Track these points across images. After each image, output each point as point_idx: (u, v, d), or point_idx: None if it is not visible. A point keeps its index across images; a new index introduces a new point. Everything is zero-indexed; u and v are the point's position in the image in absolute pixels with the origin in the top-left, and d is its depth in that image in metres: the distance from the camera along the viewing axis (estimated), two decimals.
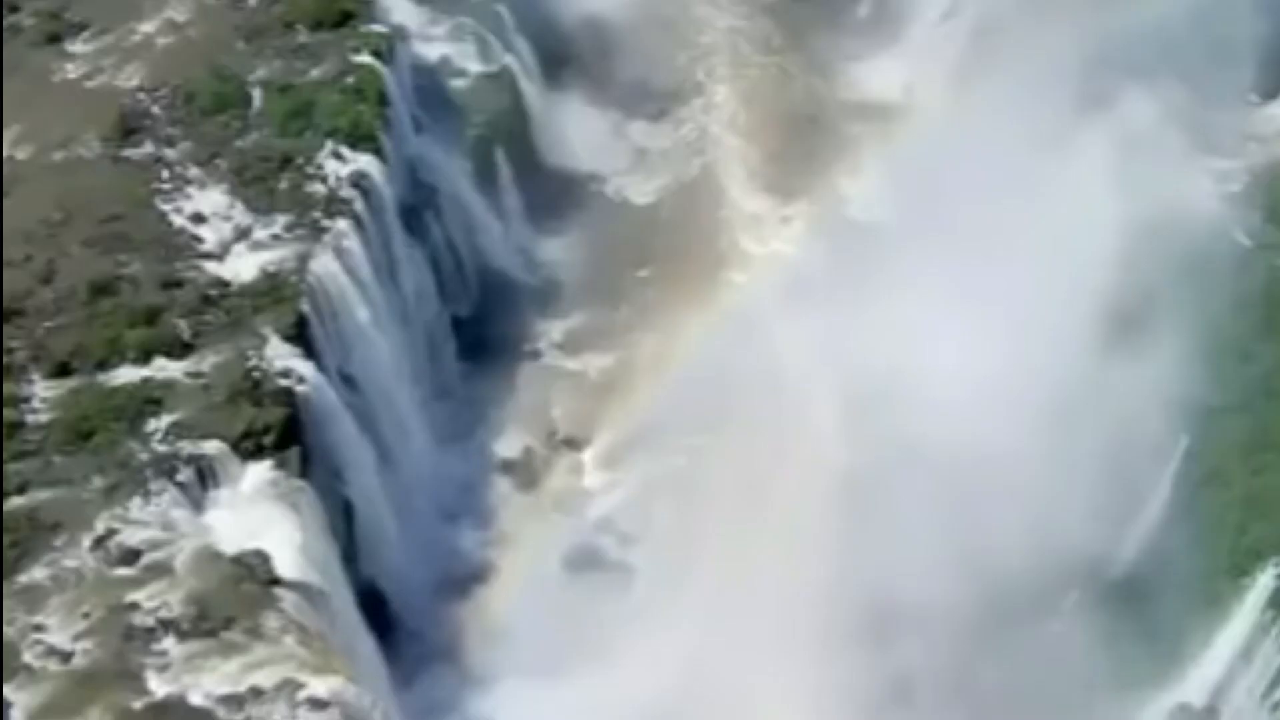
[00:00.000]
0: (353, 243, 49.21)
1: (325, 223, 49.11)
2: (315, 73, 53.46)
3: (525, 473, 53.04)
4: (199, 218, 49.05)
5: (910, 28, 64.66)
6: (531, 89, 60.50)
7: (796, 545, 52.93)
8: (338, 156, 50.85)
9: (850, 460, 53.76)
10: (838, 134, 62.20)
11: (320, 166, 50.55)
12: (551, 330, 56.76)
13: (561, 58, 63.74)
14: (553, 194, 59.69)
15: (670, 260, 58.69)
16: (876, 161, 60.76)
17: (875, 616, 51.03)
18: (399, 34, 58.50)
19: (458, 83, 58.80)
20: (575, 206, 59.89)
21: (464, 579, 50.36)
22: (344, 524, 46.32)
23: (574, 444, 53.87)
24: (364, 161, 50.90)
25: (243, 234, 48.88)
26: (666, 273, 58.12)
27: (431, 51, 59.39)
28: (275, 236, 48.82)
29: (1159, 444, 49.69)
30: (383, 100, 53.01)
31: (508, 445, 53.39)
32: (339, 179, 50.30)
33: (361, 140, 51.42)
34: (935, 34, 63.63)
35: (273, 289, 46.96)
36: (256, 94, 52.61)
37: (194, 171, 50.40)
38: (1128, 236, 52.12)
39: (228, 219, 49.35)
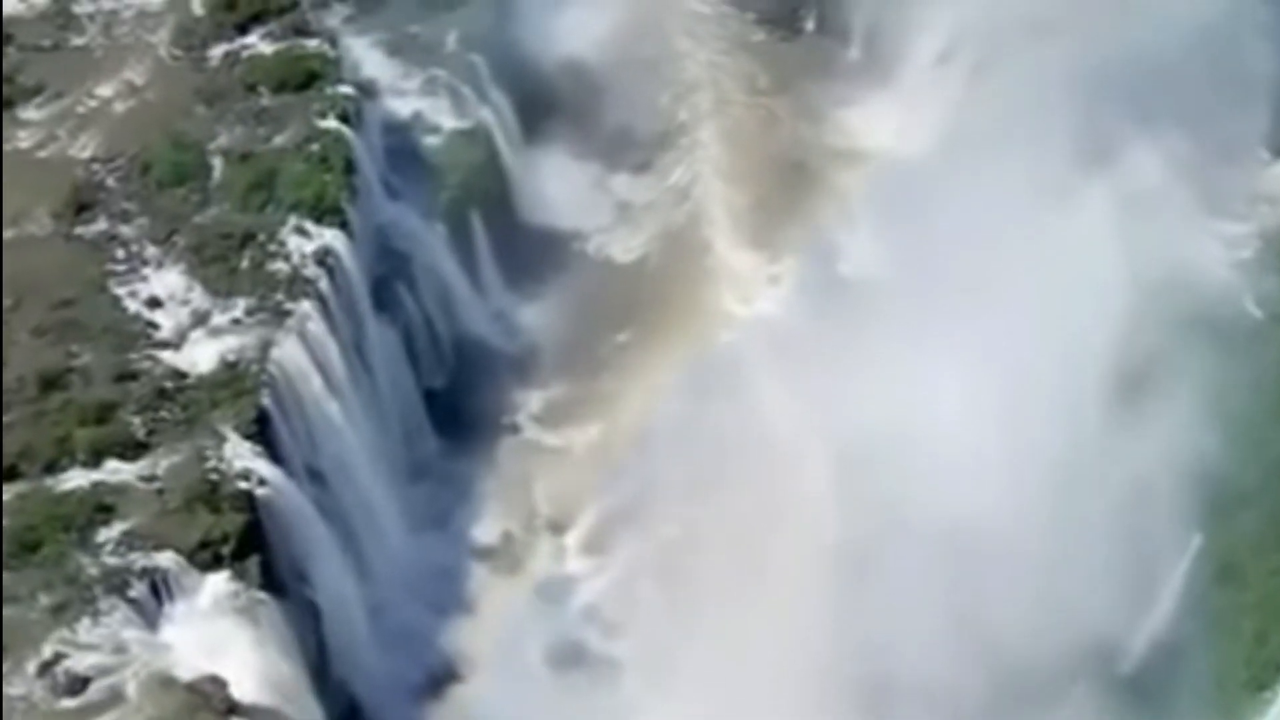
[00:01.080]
0: (318, 326, 46.10)
1: (288, 305, 45.99)
2: (279, 139, 50.19)
3: (505, 559, 49.77)
4: (155, 302, 45.95)
5: (902, 71, 60.97)
6: (508, 144, 57.12)
7: (790, 625, 49.92)
8: (302, 232, 47.71)
9: (844, 532, 50.51)
10: (827, 183, 58.90)
11: (283, 243, 47.45)
12: (531, 401, 53.54)
13: (540, 105, 60.29)
14: (532, 254, 56.37)
15: (654, 322, 55.41)
16: (868, 213, 56.99)
17: (872, 699, 48.43)
18: (369, 90, 55.54)
19: (431, 140, 55.50)
20: (556, 267, 56.52)
21: (441, 677, 47.08)
22: (312, 630, 43.34)
23: (556, 525, 50.54)
24: (329, 236, 47.79)
25: (201, 319, 45.76)
26: (650, 336, 54.85)
27: (403, 107, 56.15)
28: (235, 321, 45.70)
29: (1168, 528, 46.54)
30: (349, 168, 49.71)
31: (486, 529, 50.16)
32: (303, 256, 47.21)
33: (327, 213, 48.26)
34: (928, 78, 59.99)
35: (232, 380, 43.92)
36: (217, 163, 49.35)
37: (150, 250, 47.26)
38: (1132, 302, 48.73)
39: (185, 303, 46.22)
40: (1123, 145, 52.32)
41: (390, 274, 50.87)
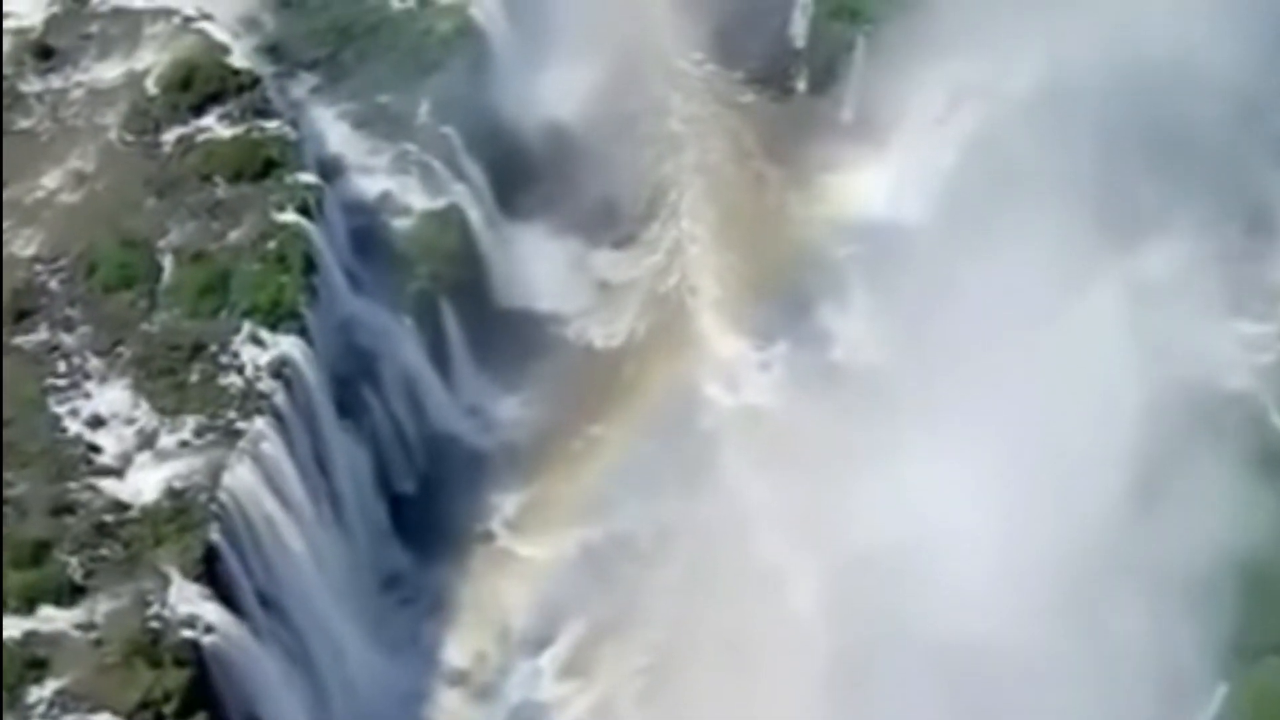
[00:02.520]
0: (273, 445, 42.38)
1: (241, 424, 42.33)
2: (233, 235, 46.41)
3: (477, 684, 45.66)
4: (98, 421, 42.23)
5: (898, 134, 56.80)
6: (483, 223, 53.02)
7: None
8: (256, 341, 43.96)
9: (839, 649, 46.90)
10: (819, 257, 54.67)
11: (236, 354, 43.72)
12: (506, 504, 49.36)
13: (519, 175, 56.23)
14: (508, 341, 52.29)
15: (638, 414, 51.19)
16: (863, 294, 53.35)
17: None
18: (335, 169, 51.97)
19: (400, 223, 51.42)
20: (533, 354, 52.51)
21: None
22: None
23: (532, 644, 46.47)
24: (286, 344, 44.10)
25: (147, 441, 42.01)
26: (633, 429, 50.63)
27: (371, 187, 52.06)
28: (183, 444, 41.94)
29: (1187, 649, 43.36)
30: (309, 266, 45.93)
31: (458, 649, 46.13)
32: (257, 368, 43.51)
33: (284, 319, 44.56)
34: (924, 142, 55.94)
35: (179, 513, 40.18)
36: (167, 263, 45.55)
37: (94, 363, 43.48)
38: (1146, 404, 45.07)
39: (130, 422, 42.47)
40: (1137, 227, 48.69)
41: (355, 375, 47.17)
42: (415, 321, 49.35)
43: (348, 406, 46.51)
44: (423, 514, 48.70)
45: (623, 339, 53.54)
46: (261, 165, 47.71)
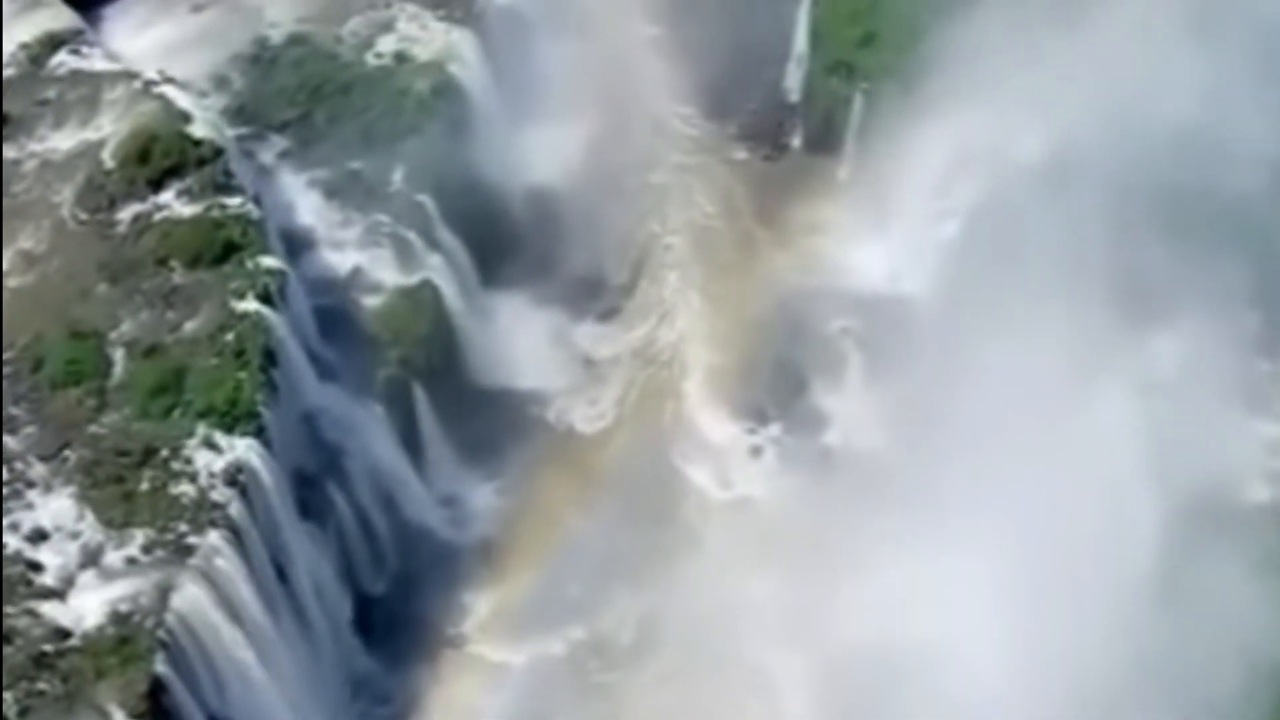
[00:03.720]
0: (228, 560, 39.21)
1: (193, 539, 39.17)
2: (189, 326, 43.16)
3: None
4: (40, 535, 39.10)
5: (898, 198, 53.14)
6: (459, 298, 49.71)
7: None
8: (211, 445, 40.77)
9: None
10: (814, 332, 51.23)
11: (189, 460, 40.51)
12: (479, 604, 46.13)
13: (499, 242, 52.91)
14: (486, 425, 49.13)
15: (621, 506, 47.79)
16: (859, 372, 50.17)
17: None
18: (303, 241, 48.95)
19: (371, 302, 48.12)
20: (512, 439, 49.31)
21: None
22: None
23: None
24: (242, 449, 40.91)
25: (91, 558, 38.86)
26: (616, 523, 47.26)
27: (341, 262, 48.87)
28: (131, 561, 38.81)
29: None
30: (270, 359, 42.71)
31: None
32: (211, 476, 40.28)
33: (241, 420, 41.37)
34: (927, 211, 52.51)
35: (122, 643, 37.08)
36: (119, 357, 42.44)
37: (38, 469, 40.32)
38: (1160, 509, 41.88)
39: (74, 536, 39.31)
40: (1149, 311, 45.18)
41: (319, 473, 43.99)
42: (386, 409, 46.25)
43: (311, 507, 43.36)
44: (392, 615, 45.57)
45: (606, 421, 50.32)
46: (221, 248, 44.53)
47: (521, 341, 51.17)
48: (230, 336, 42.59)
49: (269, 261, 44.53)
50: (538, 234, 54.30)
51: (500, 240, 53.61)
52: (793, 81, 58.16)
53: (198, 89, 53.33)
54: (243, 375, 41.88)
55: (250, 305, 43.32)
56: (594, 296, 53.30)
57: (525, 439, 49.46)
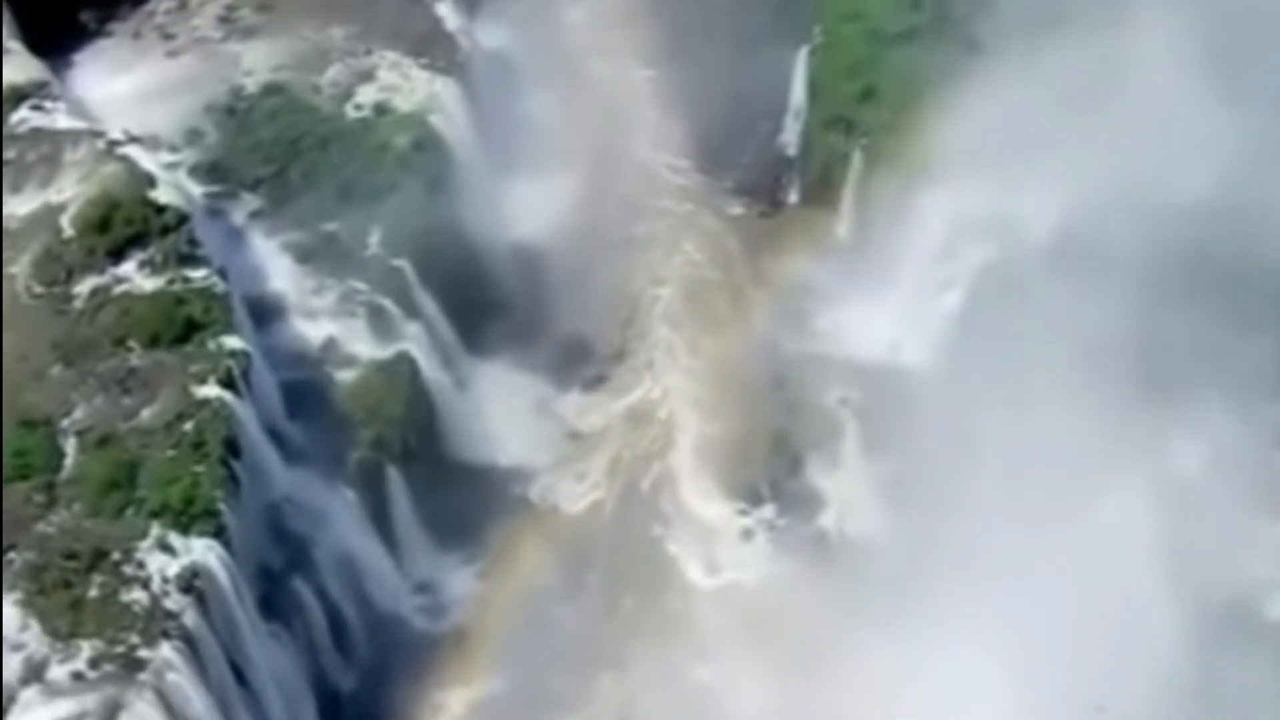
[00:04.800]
0: (181, 675, 35.78)
1: (144, 651, 35.75)
2: (146, 414, 39.85)
3: None
4: None
5: (900, 263, 49.65)
6: (438, 371, 46.70)
7: None
8: (165, 547, 37.34)
9: None
10: (811, 406, 48.03)
11: (142, 565, 37.09)
12: (453, 701, 42.67)
13: (482, 305, 49.89)
14: (464, 504, 45.84)
15: (606, 594, 44.63)
16: (857, 450, 46.95)
17: None
18: (274, 310, 45.86)
19: (345, 376, 44.97)
20: (492, 518, 45.98)
21: None
22: None
23: None
24: (199, 550, 37.51)
25: (35, 673, 35.44)
26: (600, 613, 44.25)
27: (313, 333, 45.70)
28: (77, 676, 35.40)
29: None
30: (232, 451, 39.45)
31: None
32: (165, 582, 36.86)
33: (198, 519, 37.95)
34: (929, 278, 49.04)
35: None
36: (70, 448, 39.12)
37: None
38: (1175, 617, 38.95)
39: (18, 648, 35.85)
40: (1167, 399, 41.97)
41: (285, 568, 40.81)
42: (358, 494, 43.06)
43: (275, 605, 40.14)
44: (362, 713, 42.17)
45: (591, 500, 47.03)
46: (182, 327, 41.20)
47: (504, 413, 48.06)
48: (189, 426, 39.36)
49: (232, 342, 41.28)
50: (523, 295, 51.19)
51: (483, 302, 50.52)
52: (790, 135, 55.17)
53: (168, 143, 50.59)
54: (201, 470, 38.61)
55: (211, 391, 40.08)
56: (581, 362, 50.15)
57: (506, 518, 46.17)
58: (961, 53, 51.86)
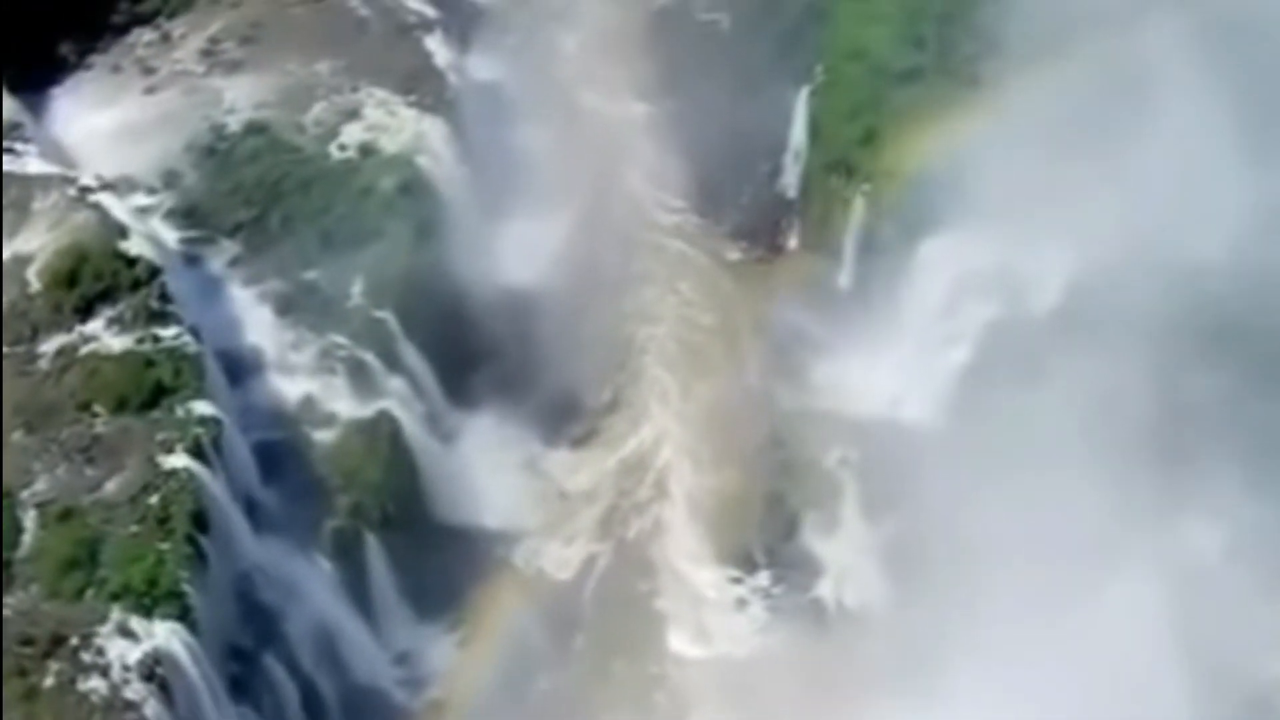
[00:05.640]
0: None
1: None
2: (110, 486, 37.29)
3: None
4: None
5: (903, 315, 47.15)
6: (420, 430, 43.92)
7: None
8: (126, 633, 34.75)
9: None
10: (808, 465, 45.52)
11: (101, 651, 34.42)
12: None
13: (469, 355, 47.20)
14: (447, 569, 43.17)
15: (593, 665, 42.14)
16: (856, 513, 44.43)
17: None
18: (250, 366, 43.29)
19: (323, 437, 42.21)
20: (476, 583, 43.33)
21: None
22: None
23: None
24: (162, 635, 34.90)
25: None
26: (587, 685, 41.57)
27: (291, 390, 43.01)
28: None
29: None
30: (199, 526, 36.83)
31: None
32: (126, 670, 34.23)
33: (161, 601, 35.34)
34: (934, 333, 46.34)
35: None
36: (29, 523, 36.51)
37: None
38: (1187, 712, 36.59)
39: None
40: (1181, 471, 39.05)
41: (256, 645, 38.02)
42: (334, 563, 40.36)
43: (245, 686, 37.36)
44: None
45: (579, 565, 44.44)
46: (150, 392, 38.69)
47: (489, 472, 45.34)
48: (154, 499, 36.75)
49: (202, 408, 38.72)
50: (513, 342, 48.33)
51: (471, 351, 47.84)
52: (790, 177, 52.42)
53: (145, 185, 47.98)
54: (165, 547, 36.02)
55: (179, 461, 37.46)
56: (570, 417, 47.57)
57: (490, 585, 43.52)
58: (968, 94, 49.56)
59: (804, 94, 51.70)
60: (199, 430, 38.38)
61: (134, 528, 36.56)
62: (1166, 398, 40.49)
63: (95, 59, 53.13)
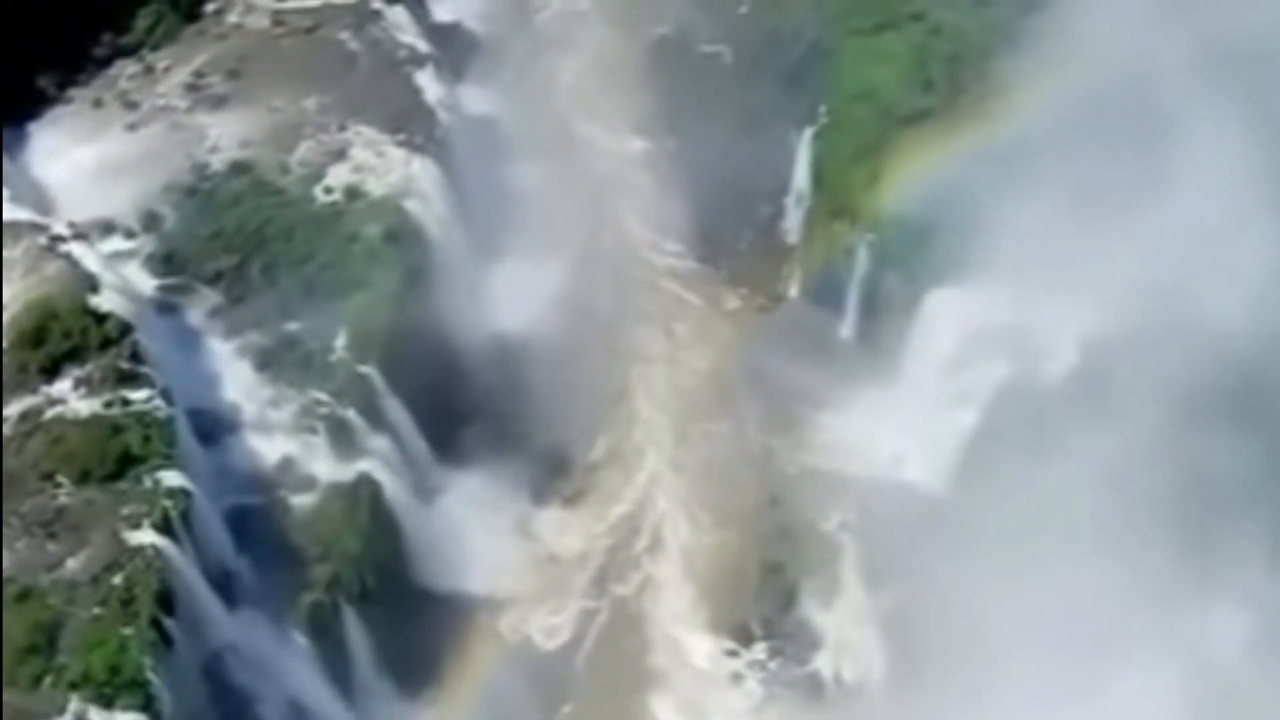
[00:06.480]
0: None
1: None
2: (72, 564, 34.68)
3: None
4: None
5: (905, 371, 44.83)
6: (403, 492, 41.42)
7: None
8: None
9: None
10: (807, 529, 42.97)
11: None
12: None
13: (456, 410, 44.93)
14: (430, 640, 40.69)
15: None
16: (858, 583, 42.05)
17: None
18: (227, 425, 40.87)
19: (300, 503, 39.74)
20: (459, 655, 40.83)
21: None
22: None
23: None
24: None
25: None
26: None
27: (269, 451, 40.51)
28: None
29: None
30: (165, 608, 34.26)
31: None
32: None
33: (124, 691, 32.83)
34: (940, 392, 43.74)
35: None
36: None
37: None
38: None
39: None
40: (1210, 558, 36.38)
41: None
42: (310, 639, 37.79)
43: None
44: None
45: (568, 634, 42.01)
46: (117, 461, 36.16)
47: (476, 534, 42.78)
48: (118, 579, 34.20)
49: (172, 479, 36.15)
50: (502, 395, 45.89)
51: (459, 405, 45.46)
52: (791, 221, 50.06)
53: (123, 228, 45.46)
54: (129, 632, 33.47)
55: (145, 537, 34.92)
56: (560, 474, 45.12)
57: (475, 655, 41.06)
58: (979, 139, 47.23)
59: (808, 135, 49.31)
60: (167, 503, 35.85)
61: (96, 610, 34.02)
62: (1186, 470, 37.81)
63: (76, 92, 50.57)
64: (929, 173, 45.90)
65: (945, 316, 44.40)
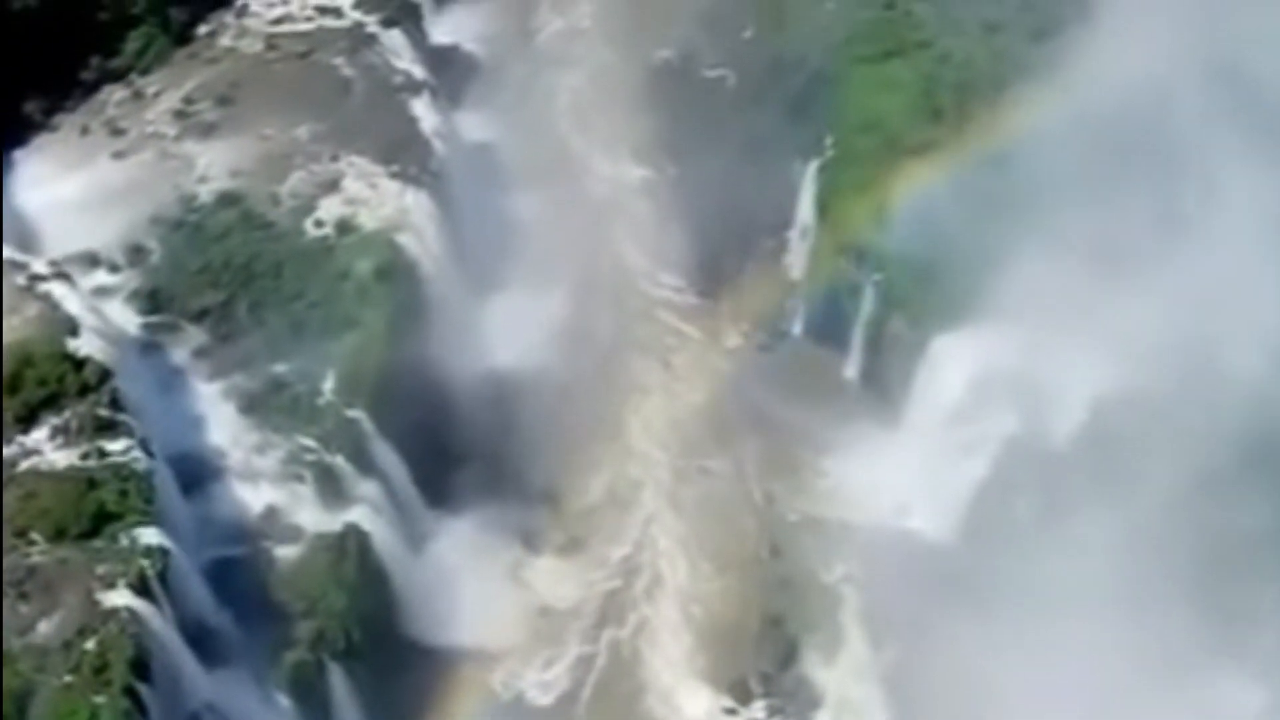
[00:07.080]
0: None
1: None
2: (44, 627, 32.88)
3: None
4: None
5: (910, 416, 43.09)
6: (392, 541, 39.71)
7: None
8: None
9: None
10: (810, 583, 41.18)
11: None
12: None
13: (449, 452, 43.28)
14: (419, 697, 38.89)
15: None
16: (861, 637, 40.17)
17: None
18: (210, 472, 39.12)
19: (285, 555, 38.00)
20: (448, 712, 39.02)
21: None
22: None
23: None
24: None
25: None
26: None
27: (253, 500, 38.81)
28: None
29: None
30: (140, 674, 32.44)
31: None
32: None
33: None
34: (947, 440, 41.82)
35: None
36: None
37: None
38: None
39: None
40: (1223, 635, 34.56)
41: None
42: (294, 700, 36.01)
43: None
44: None
45: (562, 689, 40.11)
46: (92, 518, 34.43)
47: (467, 584, 41.00)
48: (91, 644, 32.41)
49: (149, 536, 34.39)
50: (495, 436, 44.13)
51: (451, 448, 43.72)
52: (795, 256, 48.23)
53: (108, 261, 43.85)
54: (101, 700, 31.69)
55: (120, 599, 33.17)
56: (555, 521, 43.25)
57: (466, 712, 39.28)
58: (989, 174, 45.36)
59: (813, 168, 47.34)
60: (144, 562, 34.07)
61: (68, 677, 32.22)
62: (1202, 532, 36.07)
63: (63, 118, 48.89)
64: (936, 208, 43.85)
65: (953, 361, 42.38)
